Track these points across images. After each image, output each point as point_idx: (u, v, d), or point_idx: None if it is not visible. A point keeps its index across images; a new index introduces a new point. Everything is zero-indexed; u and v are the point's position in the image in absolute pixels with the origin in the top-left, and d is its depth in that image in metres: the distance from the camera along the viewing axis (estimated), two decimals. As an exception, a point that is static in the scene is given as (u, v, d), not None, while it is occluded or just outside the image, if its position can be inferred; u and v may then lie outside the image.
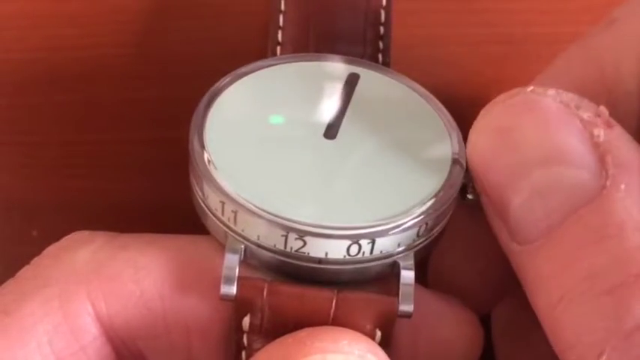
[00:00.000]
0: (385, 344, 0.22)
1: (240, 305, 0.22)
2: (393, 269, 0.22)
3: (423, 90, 0.25)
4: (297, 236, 0.22)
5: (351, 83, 0.25)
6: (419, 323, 0.23)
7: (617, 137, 0.21)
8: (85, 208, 0.31)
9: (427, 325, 0.24)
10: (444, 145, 0.24)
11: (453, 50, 0.31)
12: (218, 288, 0.22)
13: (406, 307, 0.22)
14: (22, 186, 0.31)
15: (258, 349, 0.22)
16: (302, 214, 0.22)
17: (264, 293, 0.22)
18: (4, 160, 0.31)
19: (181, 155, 0.24)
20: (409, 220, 0.22)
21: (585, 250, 0.20)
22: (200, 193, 0.23)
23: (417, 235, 0.22)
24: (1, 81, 0.31)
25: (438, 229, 0.23)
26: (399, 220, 0.22)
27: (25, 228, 0.31)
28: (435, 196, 0.23)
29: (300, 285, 0.22)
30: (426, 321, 0.24)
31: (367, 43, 0.27)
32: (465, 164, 0.23)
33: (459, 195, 0.23)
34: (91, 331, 0.23)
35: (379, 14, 0.27)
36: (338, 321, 0.22)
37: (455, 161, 0.23)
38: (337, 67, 0.25)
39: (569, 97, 0.22)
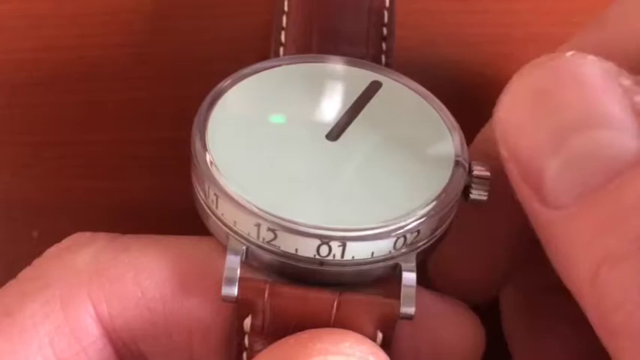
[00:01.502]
0: (386, 346, 0.22)
1: (241, 306, 0.22)
2: (395, 271, 0.23)
3: (424, 91, 0.25)
4: (268, 227, 0.22)
5: (370, 91, 0.25)
6: (420, 325, 0.23)
7: None
8: (85, 208, 0.31)
9: (429, 326, 0.24)
10: (446, 147, 0.24)
11: (453, 50, 0.31)
12: (219, 289, 0.22)
13: (407, 309, 0.22)
14: (23, 186, 0.31)
15: (260, 351, 0.22)
16: (298, 214, 0.22)
17: (266, 294, 0.22)
18: (4, 160, 0.31)
19: (182, 155, 0.24)
20: (411, 222, 0.22)
21: (630, 213, 0.20)
22: (202, 194, 0.23)
23: (418, 238, 0.23)
24: (1, 81, 0.31)
25: (440, 230, 0.23)
26: (400, 221, 0.22)
27: (26, 228, 0.31)
28: (437, 198, 0.23)
29: (301, 286, 0.22)
30: (427, 323, 0.24)
31: (370, 45, 0.27)
32: (467, 166, 0.23)
33: (462, 196, 0.23)
34: (92, 333, 0.23)
35: (382, 15, 0.27)
36: (339, 322, 0.22)
37: (457, 163, 0.23)
38: (339, 69, 0.25)
39: (610, 65, 0.21)
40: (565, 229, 0.21)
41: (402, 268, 0.22)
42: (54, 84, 0.31)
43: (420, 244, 0.23)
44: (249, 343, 0.22)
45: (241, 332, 0.22)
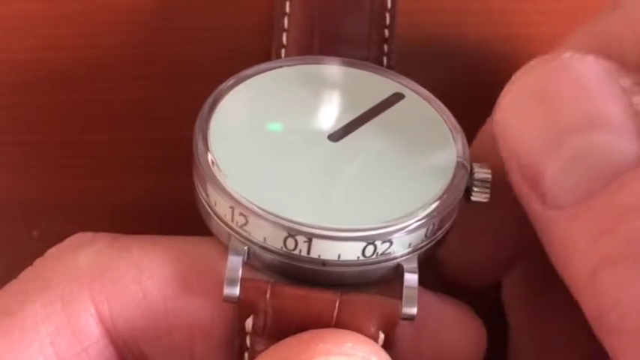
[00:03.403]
0: (388, 346, 0.22)
1: (243, 307, 0.22)
2: (397, 272, 0.23)
3: (426, 93, 0.25)
4: (240, 212, 0.22)
5: (389, 102, 0.25)
6: (422, 326, 0.23)
7: None
8: (85, 208, 0.31)
9: (430, 327, 0.24)
10: (448, 149, 0.24)
11: (455, 51, 0.31)
12: (221, 289, 0.22)
13: (409, 309, 0.22)
14: (22, 186, 0.31)
15: (261, 351, 0.22)
16: (301, 215, 0.22)
17: (268, 295, 0.22)
18: (4, 160, 0.31)
19: (182, 155, 0.24)
20: (413, 223, 0.22)
21: (629, 216, 0.20)
22: (204, 195, 0.23)
23: (424, 237, 0.23)
24: (1, 81, 0.31)
25: (442, 231, 0.23)
26: (403, 222, 0.22)
27: (25, 228, 0.31)
28: (439, 198, 0.23)
29: (303, 287, 0.22)
30: (429, 323, 0.24)
31: (371, 46, 0.27)
32: (469, 167, 0.23)
33: (463, 198, 0.23)
34: (93, 333, 0.23)
35: (384, 17, 0.27)
36: (341, 323, 0.22)
37: (459, 164, 0.23)
38: (340, 71, 0.25)
39: (609, 64, 0.21)
40: (564, 230, 0.21)
41: (404, 269, 0.22)
42: (54, 84, 0.31)
43: (422, 245, 0.23)
44: (251, 344, 0.23)
45: (243, 333, 0.22)
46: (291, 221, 0.22)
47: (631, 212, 0.20)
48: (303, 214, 0.22)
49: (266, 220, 0.22)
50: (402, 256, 0.22)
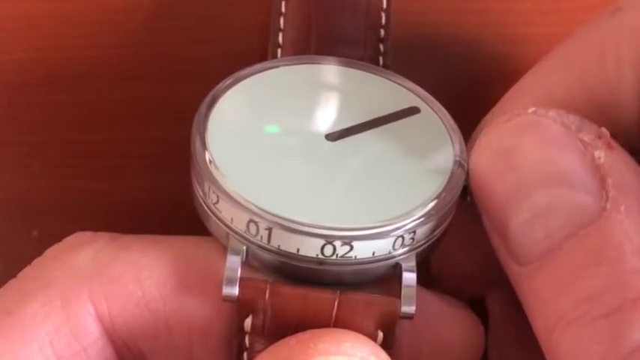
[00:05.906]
0: (387, 345, 0.22)
1: (242, 306, 0.22)
2: (395, 271, 0.23)
3: (424, 92, 0.25)
4: (213, 191, 0.22)
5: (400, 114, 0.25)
6: (421, 325, 0.23)
7: (617, 159, 0.21)
8: (85, 208, 0.31)
9: (429, 326, 0.24)
10: (445, 148, 0.24)
11: (453, 50, 0.31)
12: (220, 289, 0.22)
13: (408, 308, 0.22)
14: (22, 186, 0.31)
15: (260, 351, 0.22)
16: (300, 214, 0.22)
17: (267, 294, 0.22)
18: (4, 160, 0.31)
19: (182, 155, 0.24)
20: (410, 222, 0.22)
21: (583, 273, 0.20)
22: (202, 194, 0.23)
23: (392, 248, 0.22)
24: (1, 81, 0.31)
25: (439, 230, 0.23)
26: (400, 221, 0.22)
27: (25, 228, 0.31)
28: (437, 198, 0.23)
29: (302, 286, 0.22)
30: (427, 322, 0.24)
31: (368, 46, 0.27)
32: (466, 166, 0.23)
33: (461, 197, 0.23)
34: (92, 332, 0.23)
35: (380, 16, 0.27)
36: (340, 322, 0.22)
37: (457, 163, 0.23)
38: (337, 70, 0.25)
39: (571, 119, 0.22)
40: (529, 285, 0.21)
41: (403, 267, 0.22)
42: (54, 84, 0.31)
43: (420, 244, 0.23)
44: (250, 343, 0.23)
45: (242, 332, 0.22)
46: (255, 205, 0.22)
47: (585, 269, 0.20)
48: (272, 204, 0.22)
49: (232, 199, 0.22)
50: (399, 255, 0.22)
